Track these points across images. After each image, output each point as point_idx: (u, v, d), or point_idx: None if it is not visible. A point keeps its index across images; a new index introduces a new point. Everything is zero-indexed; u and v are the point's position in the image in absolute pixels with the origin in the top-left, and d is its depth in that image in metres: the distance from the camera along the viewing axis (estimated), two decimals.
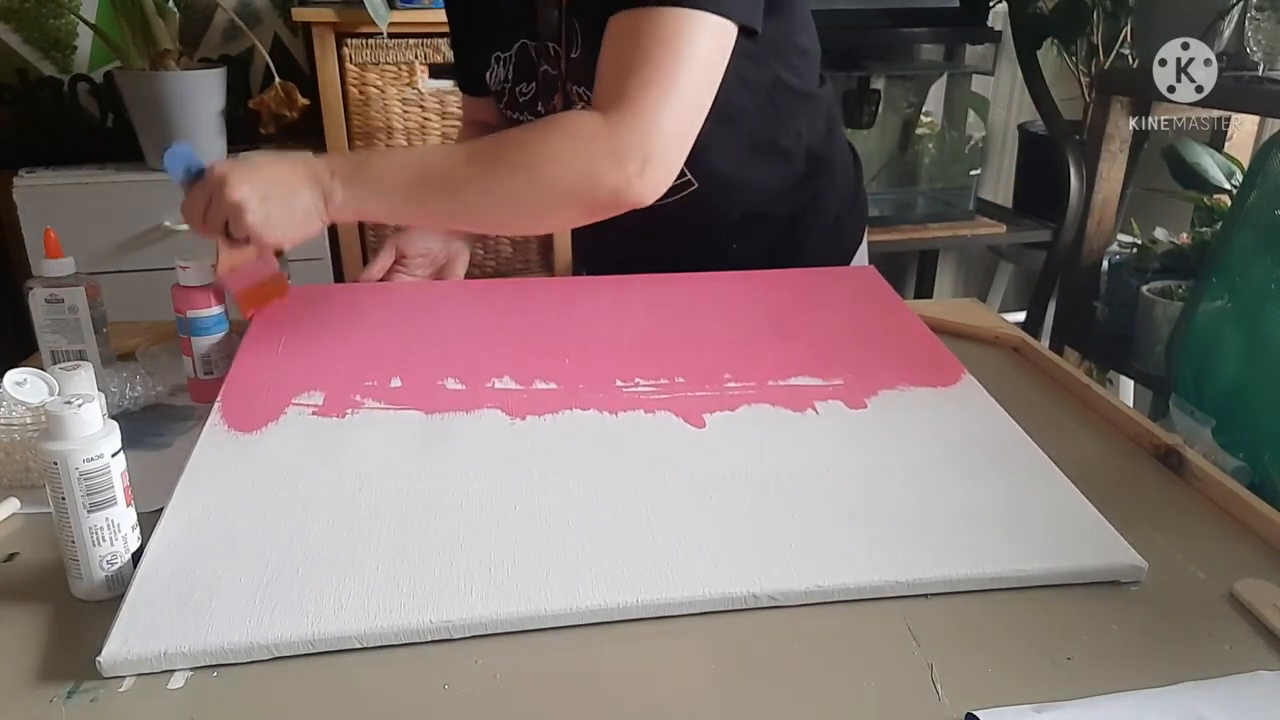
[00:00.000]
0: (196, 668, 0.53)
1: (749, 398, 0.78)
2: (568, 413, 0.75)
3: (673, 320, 0.90)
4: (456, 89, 1.14)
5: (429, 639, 0.55)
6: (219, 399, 0.77)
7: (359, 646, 0.54)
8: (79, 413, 0.56)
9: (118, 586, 0.59)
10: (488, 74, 1.00)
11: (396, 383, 0.79)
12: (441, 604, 0.56)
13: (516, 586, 0.57)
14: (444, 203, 0.78)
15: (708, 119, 0.81)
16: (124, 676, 0.52)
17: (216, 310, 0.84)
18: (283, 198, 0.75)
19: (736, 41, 0.80)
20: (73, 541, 0.57)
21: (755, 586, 0.58)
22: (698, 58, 0.75)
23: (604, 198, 0.77)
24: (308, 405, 0.76)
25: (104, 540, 0.58)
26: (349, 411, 0.75)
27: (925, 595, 0.60)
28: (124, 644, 0.53)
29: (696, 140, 0.81)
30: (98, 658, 0.52)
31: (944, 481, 0.69)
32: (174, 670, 0.53)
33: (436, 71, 1.83)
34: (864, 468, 0.70)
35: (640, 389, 0.79)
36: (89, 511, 0.57)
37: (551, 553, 0.60)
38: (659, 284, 0.97)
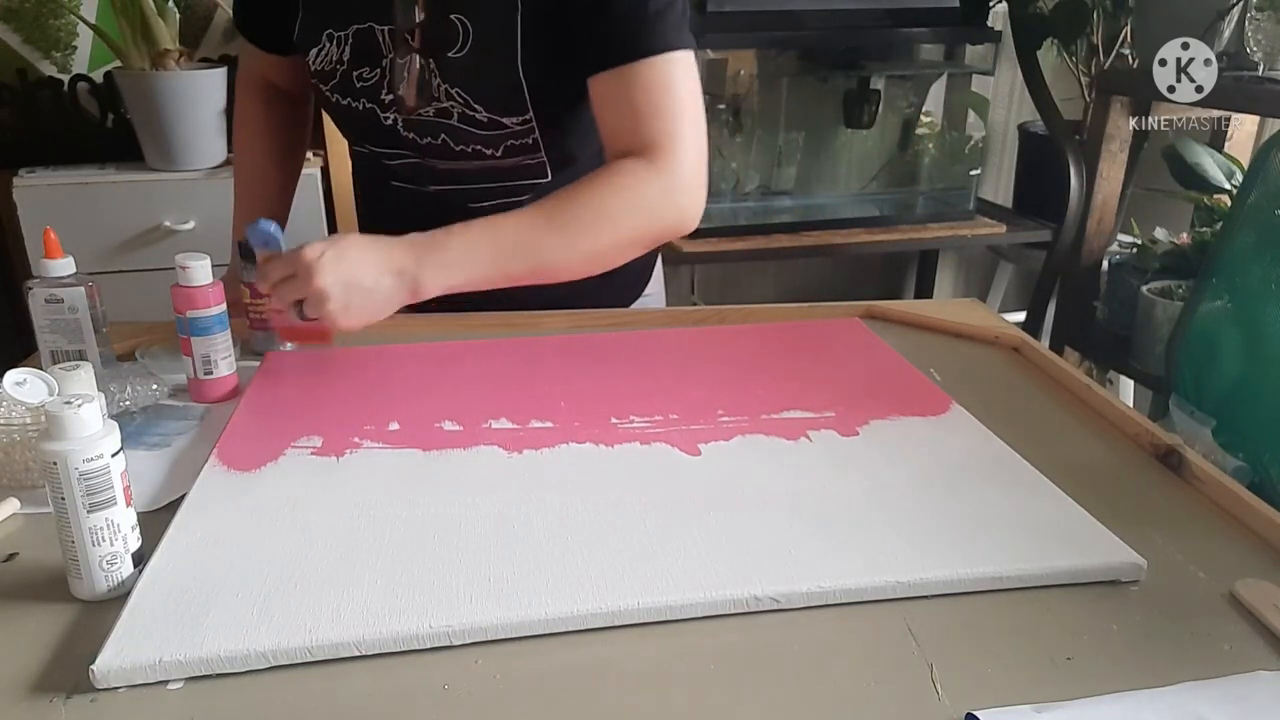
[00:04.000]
0: (193, 678, 0.53)
1: (743, 429, 0.80)
2: (564, 446, 0.77)
3: (665, 368, 0.93)
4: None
5: (429, 645, 0.55)
6: (215, 447, 0.76)
7: (358, 654, 0.54)
8: (79, 413, 0.56)
9: (118, 587, 0.59)
10: (315, 50, 0.96)
11: (394, 426, 0.80)
12: (441, 611, 0.56)
13: (516, 594, 0.57)
14: (526, 266, 0.86)
15: (590, 130, 0.92)
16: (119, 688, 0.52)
17: (216, 310, 0.84)
18: (366, 289, 0.79)
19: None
20: (73, 542, 0.57)
21: (756, 589, 0.58)
22: (690, 90, 0.88)
23: (665, 232, 0.90)
24: (306, 447, 0.76)
25: (104, 540, 0.58)
26: (348, 451, 0.76)
27: (925, 595, 0.60)
28: (118, 654, 0.52)
29: (570, 144, 0.95)
30: (91, 666, 0.51)
31: (940, 492, 0.70)
32: (169, 681, 0.52)
33: None
34: (860, 483, 0.71)
35: (635, 425, 0.80)
36: (89, 511, 0.57)
37: (551, 564, 0.61)
38: (652, 339, 1.00)
